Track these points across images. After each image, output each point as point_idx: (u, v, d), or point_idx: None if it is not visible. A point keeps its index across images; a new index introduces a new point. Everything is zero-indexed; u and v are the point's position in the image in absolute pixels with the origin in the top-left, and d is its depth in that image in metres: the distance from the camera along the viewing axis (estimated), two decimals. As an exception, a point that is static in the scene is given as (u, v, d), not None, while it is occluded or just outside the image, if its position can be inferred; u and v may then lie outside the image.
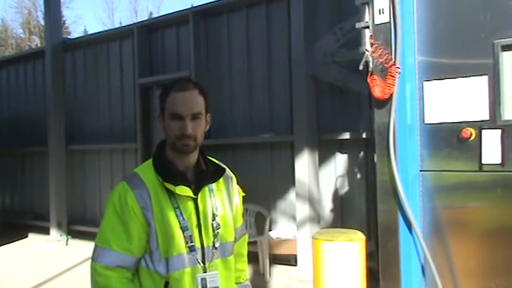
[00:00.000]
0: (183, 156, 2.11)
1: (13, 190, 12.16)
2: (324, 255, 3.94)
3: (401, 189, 3.36)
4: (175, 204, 2.05)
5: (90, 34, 12.12)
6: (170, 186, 2.04)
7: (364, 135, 6.32)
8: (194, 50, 8.21)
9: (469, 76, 3.24)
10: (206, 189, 2.14)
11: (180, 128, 2.04)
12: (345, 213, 6.83)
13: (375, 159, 3.60)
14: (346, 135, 6.60)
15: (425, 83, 3.42)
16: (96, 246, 2.06)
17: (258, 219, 7.23)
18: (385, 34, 3.44)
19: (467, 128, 3.22)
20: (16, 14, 34.24)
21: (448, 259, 3.39)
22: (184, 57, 8.59)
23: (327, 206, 6.97)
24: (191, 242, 2.05)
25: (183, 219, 2.05)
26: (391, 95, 3.37)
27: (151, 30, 9.27)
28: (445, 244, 3.40)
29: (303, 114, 6.79)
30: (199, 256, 2.07)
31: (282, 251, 7.10)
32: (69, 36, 20.47)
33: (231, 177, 2.32)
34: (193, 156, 2.14)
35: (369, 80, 3.50)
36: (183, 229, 2.04)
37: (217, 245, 2.12)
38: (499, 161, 3.12)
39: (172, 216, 2.04)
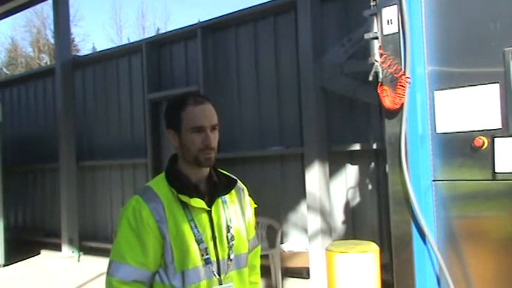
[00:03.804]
0: (198, 169, 2.12)
1: (25, 207, 12.24)
2: (338, 268, 3.92)
3: (414, 200, 3.34)
4: (189, 216, 2.06)
5: (99, 51, 12.24)
6: (185, 199, 2.05)
7: (374, 146, 6.31)
8: (203, 64, 8.26)
9: (480, 84, 3.24)
10: (219, 201, 2.15)
11: (203, 141, 2.06)
12: (356, 225, 6.80)
13: (387, 170, 3.59)
14: (357, 147, 6.58)
15: (436, 92, 3.42)
16: (111, 261, 2.06)
17: (269, 232, 7.21)
18: (394, 44, 3.45)
19: (480, 137, 3.21)
20: (25, 33, 34.60)
21: (463, 270, 3.36)
22: (193, 71, 8.64)
23: (338, 217, 6.94)
24: (206, 255, 2.05)
25: (198, 231, 2.05)
26: (402, 105, 3.37)
27: (159, 45, 9.34)
28: (460, 255, 3.37)
29: (312, 126, 6.79)
30: (214, 268, 2.07)
31: (294, 264, 7.06)
32: (78, 54, 20.72)
33: (243, 189, 2.33)
34: (206, 169, 2.15)
35: (379, 91, 3.51)
36: (198, 242, 2.04)
37: (232, 257, 2.12)
38: (512, 169, 3.10)
39: (187, 229, 2.04)
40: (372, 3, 3.64)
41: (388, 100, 3.42)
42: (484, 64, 3.23)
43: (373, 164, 6.57)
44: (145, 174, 9.25)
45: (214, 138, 2.09)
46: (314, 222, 6.73)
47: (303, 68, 6.90)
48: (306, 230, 7.01)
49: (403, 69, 3.37)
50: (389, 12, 3.46)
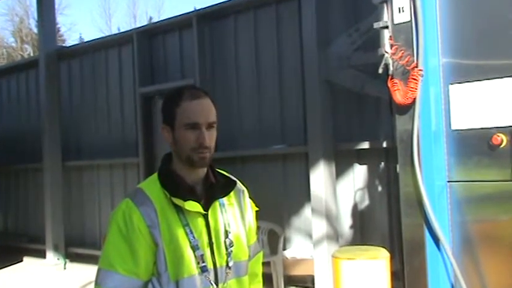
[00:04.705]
0: (193, 169, 2.11)
1: (6, 210, 12.24)
2: (345, 276, 3.93)
3: (427, 202, 3.35)
4: (184, 221, 2.05)
5: (87, 41, 12.24)
6: (179, 202, 2.04)
7: (384, 144, 6.31)
8: (199, 55, 8.25)
9: (499, 78, 3.24)
10: (217, 204, 2.14)
11: (197, 139, 2.04)
12: (365, 230, 6.81)
13: (398, 170, 3.60)
14: (365, 145, 6.59)
15: (450, 86, 3.43)
16: (99, 270, 2.05)
17: (271, 237, 7.22)
18: (406, 34, 3.45)
19: (498, 134, 3.22)
20: (7, 22, 34.76)
21: (479, 276, 3.37)
22: (188, 63, 8.64)
23: (345, 221, 6.95)
24: (203, 262, 2.04)
25: (193, 237, 2.04)
26: (414, 99, 3.38)
27: (152, 35, 9.34)
28: (476, 260, 3.38)
29: (317, 122, 6.79)
30: (211, 277, 2.06)
31: (298, 271, 7.07)
32: (64, 44, 20.75)
33: (243, 191, 2.32)
34: (203, 170, 2.14)
35: (389, 84, 3.51)
36: (194, 248, 2.03)
37: (230, 264, 2.11)
38: (533, 169, 3.11)
39: (181, 235, 2.03)
40: (381, -10, 3.64)
41: (399, 94, 3.43)
42: (502, 56, 3.24)
43: (383, 163, 6.58)
44: (137, 175, 9.26)
45: (210, 136, 2.07)
46: (319, 226, 6.73)
47: (307, 59, 6.90)
48: (310, 235, 7.02)
49: (415, 61, 3.38)
50: (401, 0, 3.47)
